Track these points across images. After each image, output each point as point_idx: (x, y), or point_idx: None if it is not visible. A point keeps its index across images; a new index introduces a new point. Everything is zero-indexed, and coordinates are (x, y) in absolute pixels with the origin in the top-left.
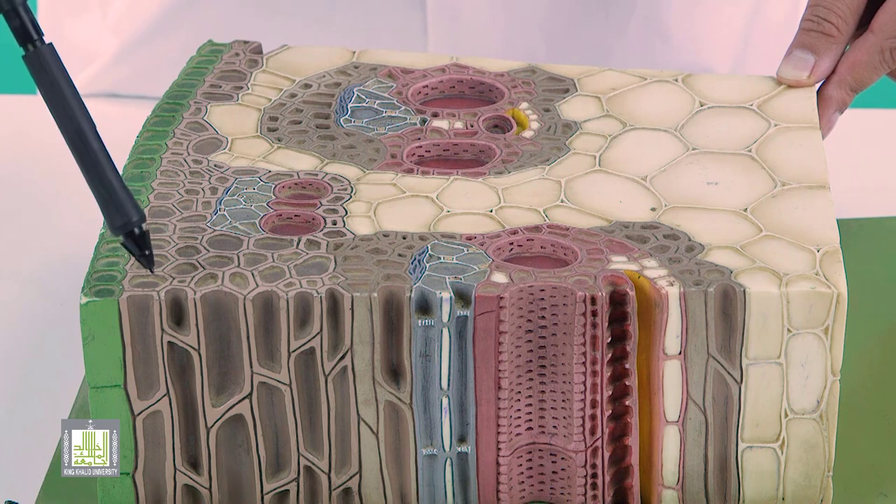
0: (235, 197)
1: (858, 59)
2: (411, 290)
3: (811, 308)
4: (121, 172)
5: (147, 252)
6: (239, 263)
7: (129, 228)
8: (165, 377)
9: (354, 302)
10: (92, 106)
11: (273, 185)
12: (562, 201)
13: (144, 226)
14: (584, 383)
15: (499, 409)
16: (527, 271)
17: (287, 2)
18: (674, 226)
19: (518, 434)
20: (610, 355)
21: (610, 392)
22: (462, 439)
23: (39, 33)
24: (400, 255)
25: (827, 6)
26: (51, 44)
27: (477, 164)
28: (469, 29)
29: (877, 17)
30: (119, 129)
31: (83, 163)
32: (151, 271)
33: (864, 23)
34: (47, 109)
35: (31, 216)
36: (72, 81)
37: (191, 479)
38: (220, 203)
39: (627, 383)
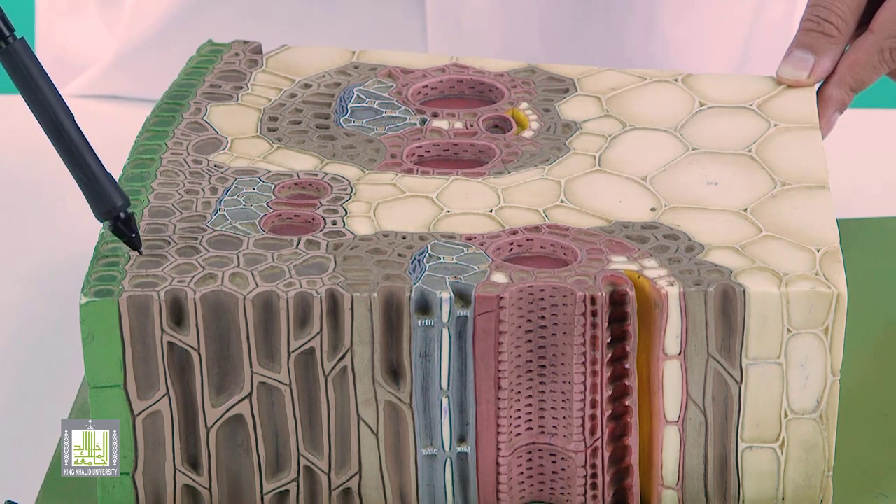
0: (235, 197)
1: (858, 58)
2: (411, 290)
3: (811, 308)
4: (121, 173)
5: (133, 235)
6: (239, 263)
7: (114, 214)
8: (165, 377)
9: (354, 302)
10: (92, 107)
11: (273, 185)
12: (562, 201)
13: (129, 209)
14: (584, 383)
15: (499, 409)
16: (527, 271)
17: (287, 2)
18: (674, 226)
19: (518, 434)
20: (610, 355)
21: (610, 392)
22: (462, 439)
23: (11, 29)
24: (400, 255)
25: (827, 6)
26: (23, 38)
27: (477, 164)
28: (468, 30)
29: (877, 17)
30: (119, 129)
31: (64, 154)
32: (140, 252)
33: (863, 23)
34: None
35: (31, 216)
36: (46, 74)
37: (191, 479)
38: (220, 203)
39: (627, 383)
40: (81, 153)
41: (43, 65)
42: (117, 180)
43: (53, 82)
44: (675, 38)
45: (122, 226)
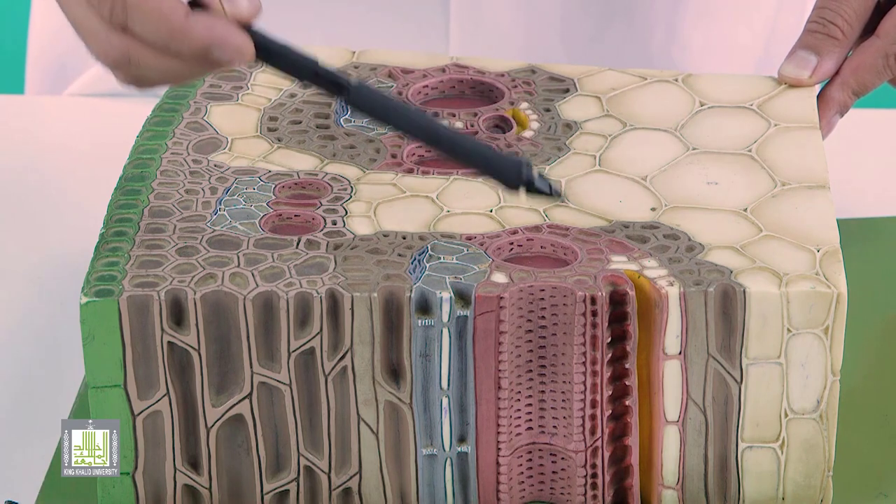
0: (235, 197)
1: (862, 62)
2: (411, 290)
3: (811, 308)
4: (121, 172)
5: (551, 189)
6: (239, 263)
7: (527, 177)
8: (165, 377)
9: (354, 302)
10: (92, 106)
11: (273, 185)
12: (562, 201)
13: (533, 168)
14: (584, 383)
15: (499, 409)
16: (527, 271)
17: (308, 0)
18: (674, 226)
19: (518, 434)
20: (610, 355)
21: (610, 392)
22: (462, 439)
23: (347, 81)
24: (400, 255)
25: (834, 9)
26: (359, 82)
27: None
28: (491, 31)
29: (883, 23)
30: (119, 129)
31: (452, 150)
32: (561, 197)
33: (869, 30)
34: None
35: (31, 216)
36: (392, 97)
37: (191, 479)
38: (220, 203)
39: (627, 383)
40: (465, 144)
41: (48, 64)
42: (118, 180)
43: (400, 100)
44: (694, 44)
45: (537, 185)
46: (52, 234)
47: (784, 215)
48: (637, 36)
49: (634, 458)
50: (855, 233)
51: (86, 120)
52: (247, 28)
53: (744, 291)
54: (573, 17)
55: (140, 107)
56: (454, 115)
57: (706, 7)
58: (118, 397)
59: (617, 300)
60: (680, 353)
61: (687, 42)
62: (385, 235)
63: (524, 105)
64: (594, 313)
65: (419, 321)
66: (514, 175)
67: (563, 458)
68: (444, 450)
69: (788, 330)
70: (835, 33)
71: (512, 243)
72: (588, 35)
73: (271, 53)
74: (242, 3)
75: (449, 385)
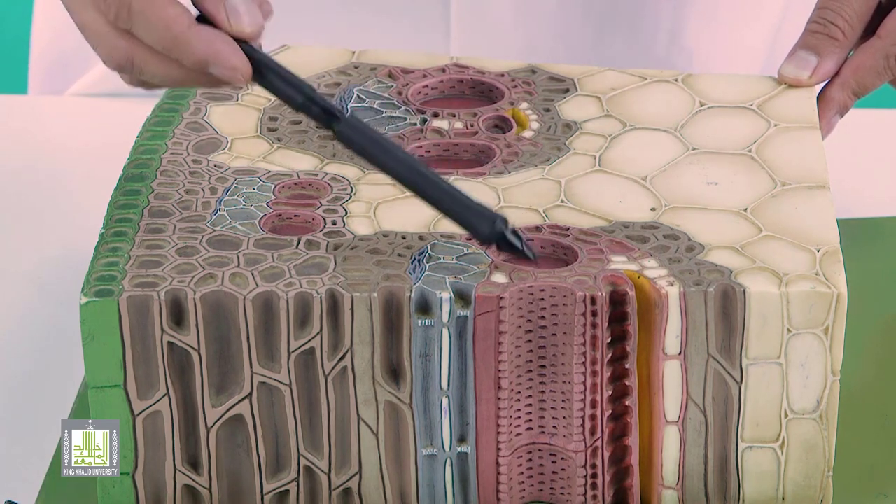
0: (235, 197)
1: (863, 62)
2: (411, 290)
3: (811, 308)
4: (121, 172)
5: (523, 245)
6: (239, 263)
7: (499, 229)
8: (165, 377)
9: (354, 302)
10: (93, 106)
11: (273, 185)
12: (562, 201)
13: (509, 223)
14: (584, 383)
15: (499, 409)
16: (527, 271)
17: (309, 1)
18: (674, 226)
19: (518, 434)
20: (610, 355)
21: (610, 392)
22: (462, 439)
23: (340, 112)
24: (399, 255)
25: (835, 10)
26: (351, 114)
27: (477, 164)
28: (492, 33)
29: (884, 24)
30: (119, 129)
31: (430, 197)
32: (535, 259)
33: (870, 30)
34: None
35: (31, 216)
36: (382, 135)
37: (191, 479)
38: (220, 203)
39: (627, 383)
40: (445, 190)
41: (50, 64)
42: (118, 180)
43: (389, 140)
44: (699, 49)
45: (508, 242)
46: (52, 234)
47: (784, 215)
48: (639, 42)
49: (634, 459)
50: (855, 233)
51: (87, 120)
52: (247, 46)
53: (744, 291)
54: (574, 19)
55: (140, 107)
56: (454, 115)
57: (709, 12)
58: (118, 397)
59: (617, 300)
60: (680, 353)
61: (690, 48)
62: (385, 235)
63: (524, 105)
64: (594, 313)
65: (419, 321)
66: (487, 229)
67: (563, 459)
68: (444, 450)
69: (788, 330)
70: (835, 34)
71: None
72: (589, 38)
73: (268, 76)
74: (244, 20)
75: (449, 385)
